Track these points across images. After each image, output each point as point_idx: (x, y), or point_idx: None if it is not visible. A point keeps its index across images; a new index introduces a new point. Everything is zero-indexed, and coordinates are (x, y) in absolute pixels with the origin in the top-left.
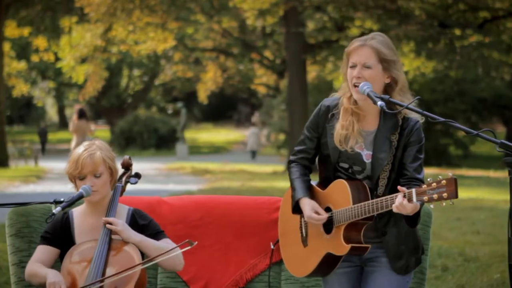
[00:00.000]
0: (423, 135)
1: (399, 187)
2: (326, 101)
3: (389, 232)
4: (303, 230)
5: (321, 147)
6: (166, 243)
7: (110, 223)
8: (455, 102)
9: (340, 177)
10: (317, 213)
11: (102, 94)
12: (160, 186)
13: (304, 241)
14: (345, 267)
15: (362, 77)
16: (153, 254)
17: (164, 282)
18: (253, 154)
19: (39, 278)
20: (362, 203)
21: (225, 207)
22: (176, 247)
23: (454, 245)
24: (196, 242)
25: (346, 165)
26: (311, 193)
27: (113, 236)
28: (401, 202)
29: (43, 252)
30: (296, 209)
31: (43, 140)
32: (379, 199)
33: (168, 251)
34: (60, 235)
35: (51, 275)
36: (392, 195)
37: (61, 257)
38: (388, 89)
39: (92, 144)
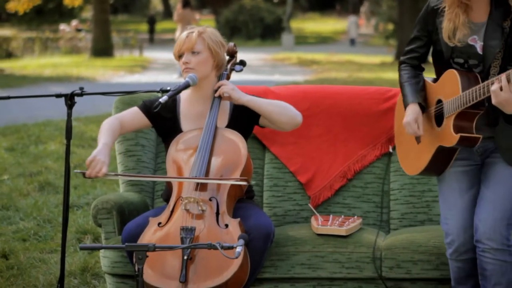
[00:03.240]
0: None
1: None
2: None
3: (500, 123)
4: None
5: (434, 44)
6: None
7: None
8: None
9: None
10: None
11: None
12: (266, 76)
13: (417, 137)
14: (465, 166)
15: None
16: (266, 109)
17: (270, 172)
18: (352, 42)
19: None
20: (470, 89)
21: (333, 97)
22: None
23: None
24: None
25: (461, 60)
26: (422, 90)
27: (219, 125)
28: (504, 83)
29: (133, 114)
30: None
31: (152, 29)
32: (485, 82)
33: None
34: (163, 114)
35: (97, 150)
36: (498, 75)
37: (166, 146)
38: None
39: (197, 27)
